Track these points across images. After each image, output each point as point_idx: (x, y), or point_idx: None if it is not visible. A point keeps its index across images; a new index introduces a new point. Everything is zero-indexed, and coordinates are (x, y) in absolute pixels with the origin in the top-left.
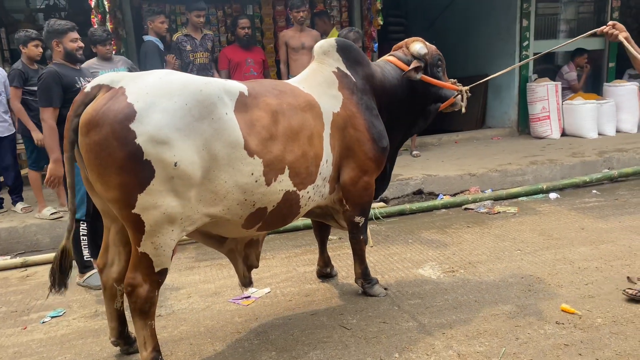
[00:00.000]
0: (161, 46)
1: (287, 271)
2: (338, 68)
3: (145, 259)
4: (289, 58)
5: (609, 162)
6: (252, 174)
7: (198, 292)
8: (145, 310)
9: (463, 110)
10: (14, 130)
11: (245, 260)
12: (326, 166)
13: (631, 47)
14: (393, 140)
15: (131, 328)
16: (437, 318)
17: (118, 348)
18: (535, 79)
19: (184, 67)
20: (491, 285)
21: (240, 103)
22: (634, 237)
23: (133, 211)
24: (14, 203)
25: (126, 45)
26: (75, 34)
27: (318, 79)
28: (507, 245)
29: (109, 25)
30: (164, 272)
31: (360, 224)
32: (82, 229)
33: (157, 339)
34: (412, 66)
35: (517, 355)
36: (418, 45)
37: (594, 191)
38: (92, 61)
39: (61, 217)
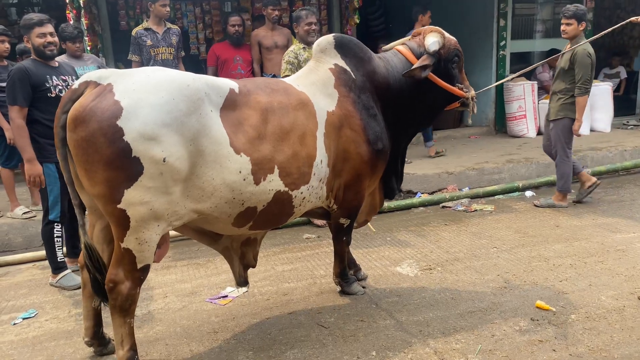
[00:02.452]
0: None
1: (265, 270)
2: (336, 64)
3: (128, 255)
4: (262, 57)
5: (583, 160)
6: (240, 172)
7: (174, 291)
8: (126, 307)
9: (470, 115)
10: None
11: (242, 259)
12: (321, 167)
13: None
14: (400, 137)
15: (106, 329)
16: (414, 315)
17: (92, 349)
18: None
19: (145, 63)
20: (468, 282)
21: (230, 100)
22: (606, 234)
23: (119, 206)
24: None
25: (102, 41)
26: (43, 29)
27: (313, 77)
28: (483, 243)
29: (84, 21)
30: (146, 269)
31: (345, 226)
32: (56, 230)
33: (134, 338)
34: (417, 64)
35: (493, 351)
36: (431, 39)
37: None
38: (61, 58)
39: (34, 216)
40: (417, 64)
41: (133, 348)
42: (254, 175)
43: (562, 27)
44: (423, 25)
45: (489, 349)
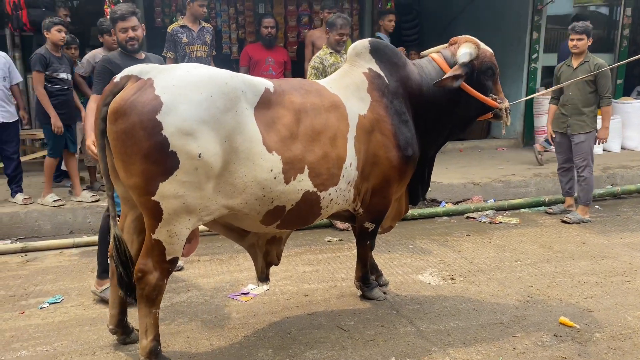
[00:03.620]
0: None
1: (286, 270)
2: (370, 69)
3: (159, 246)
4: None
5: (612, 178)
6: (271, 170)
7: (197, 286)
8: (152, 297)
9: (503, 131)
10: (17, 118)
11: (266, 256)
12: (350, 169)
13: None
14: (429, 146)
15: (130, 318)
16: (435, 324)
17: (115, 337)
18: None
19: (179, 60)
20: (490, 294)
21: (265, 99)
22: (634, 254)
23: (153, 198)
24: (13, 194)
25: None
26: (126, 23)
27: (347, 81)
28: (507, 256)
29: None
30: (174, 261)
31: (370, 230)
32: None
33: (158, 329)
34: (449, 73)
35: None
36: (463, 50)
37: (597, 206)
38: (97, 52)
39: (63, 204)
40: (448, 73)
41: (156, 338)
42: (284, 174)
43: (574, 42)
44: (385, 30)
45: None
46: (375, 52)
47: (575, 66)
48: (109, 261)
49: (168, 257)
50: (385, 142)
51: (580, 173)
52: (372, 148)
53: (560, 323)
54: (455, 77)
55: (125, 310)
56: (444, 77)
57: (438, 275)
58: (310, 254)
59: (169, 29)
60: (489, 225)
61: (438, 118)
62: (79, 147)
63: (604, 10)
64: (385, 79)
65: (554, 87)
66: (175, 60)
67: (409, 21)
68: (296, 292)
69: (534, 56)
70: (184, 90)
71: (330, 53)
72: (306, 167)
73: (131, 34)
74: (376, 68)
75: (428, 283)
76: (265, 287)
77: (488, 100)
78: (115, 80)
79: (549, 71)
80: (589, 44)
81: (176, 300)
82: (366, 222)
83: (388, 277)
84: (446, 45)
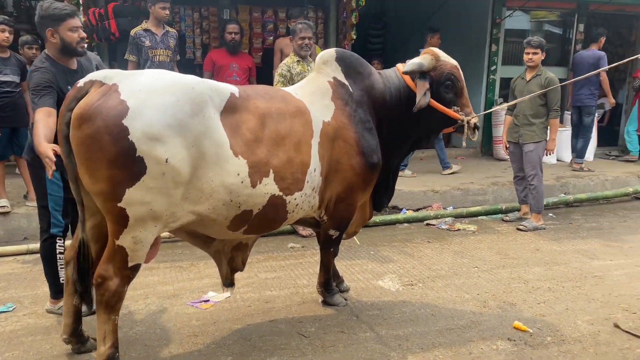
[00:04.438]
0: None
1: (248, 277)
2: (335, 77)
3: (121, 253)
4: None
5: (565, 187)
6: (238, 174)
7: (156, 293)
8: (112, 304)
9: (463, 143)
10: None
11: (231, 262)
12: (314, 175)
13: None
14: (394, 154)
15: (86, 327)
16: (394, 330)
17: (69, 346)
18: (501, 103)
19: (142, 64)
20: (448, 300)
21: (231, 104)
22: (585, 260)
23: (119, 205)
24: None
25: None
26: (76, 21)
27: (312, 88)
28: (465, 262)
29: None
30: (136, 268)
31: (334, 237)
32: (59, 246)
33: (117, 336)
34: (419, 94)
35: None
36: (411, 60)
37: (550, 214)
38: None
39: (8, 211)
40: (418, 94)
41: (115, 345)
42: (250, 178)
43: (529, 56)
44: (432, 47)
45: None
46: (341, 61)
47: (528, 79)
48: (62, 271)
49: (130, 264)
50: (348, 150)
51: (531, 182)
52: (335, 155)
53: (514, 327)
54: (425, 94)
55: (80, 319)
56: (418, 100)
57: (398, 281)
58: (273, 260)
59: (132, 32)
60: (447, 232)
61: (402, 127)
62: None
63: (559, 25)
64: (350, 87)
65: (529, 96)
66: (138, 64)
67: (377, 29)
68: (257, 299)
69: (493, 68)
70: (150, 96)
71: (298, 61)
72: (271, 170)
73: (82, 33)
74: (341, 77)
75: (388, 289)
76: (226, 294)
77: (449, 112)
78: (78, 85)
79: (507, 83)
80: (542, 57)
81: (134, 307)
82: (331, 230)
83: (349, 283)
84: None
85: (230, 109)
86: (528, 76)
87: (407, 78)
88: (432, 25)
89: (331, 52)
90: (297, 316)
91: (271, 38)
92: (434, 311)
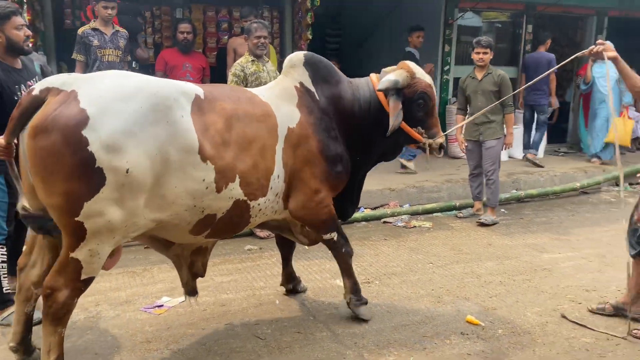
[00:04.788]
0: None
1: (204, 280)
2: (301, 83)
3: (75, 265)
4: None
5: (516, 183)
6: (204, 180)
7: (107, 300)
8: (59, 316)
9: (427, 160)
10: None
11: (191, 268)
12: (278, 181)
13: (624, 66)
14: (360, 165)
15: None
16: (350, 328)
17: (15, 356)
18: (454, 102)
19: (90, 64)
20: (403, 296)
21: (197, 106)
22: (535, 254)
23: (77, 219)
24: None
25: (44, 39)
26: (21, 19)
27: (278, 91)
28: (420, 258)
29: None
30: (89, 281)
31: (334, 239)
32: (1, 254)
33: (63, 349)
34: (393, 116)
35: None
36: (387, 77)
37: (502, 210)
38: None
39: None
40: (392, 115)
41: (60, 358)
42: (216, 184)
43: (480, 56)
44: (414, 45)
45: None
46: (309, 66)
47: (480, 78)
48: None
49: (83, 277)
50: (311, 158)
51: (490, 176)
52: (298, 163)
53: (467, 322)
54: (398, 115)
55: (30, 328)
56: (392, 123)
57: None
58: (229, 263)
59: (80, 31)
60: (404, 229)
61: (370, 140)
62: None
63: (509, 26)
64: (316, 94)
65: (509, 95)
66: (86, 64)
67: (334, 29)
68: (213, 303)
69: (446, 68)
70: (112, 102)
71: (252, 61)
72: (237, 176)
73: (27, 31)
74: (308, 83)
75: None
76: (180, 298)
77: (413, 132)
78: (34, 93)
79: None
80: (491, 57)
81: (84, 315)
82: (324, 235)
83: (307, 283)
84: (395, 67)
85: (196, 111)
86: (479, 75)
87: (380, 92)
88: (413, 24)
89: (299, 55)
90: (254, 318)
91: (226, 37)
92: (389, 308)
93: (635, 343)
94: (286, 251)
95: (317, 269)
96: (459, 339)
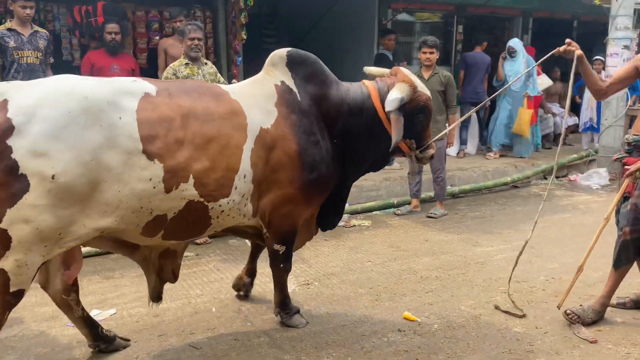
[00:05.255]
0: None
1: (136, 291)
2: (282, 82)
3: (2, 276)
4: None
5: (451, 179)
6: (150, 179)
7: (33, 316)
8: None
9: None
10: None
11: (160, 272)
12: (243, 181)
13: (587, 66)
14: (349, 174)
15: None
16: (288, 332)
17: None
18: None
19: (7, 66)
20: (342, 296)
21: (146, 103)
22: (469, 247)
23: (0, 226)
24: None
25: None
26: None
27: (255, 90)
28: (359, 257)
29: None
30: (20, 294)
31: (280, 252)
32: None
33: None
34: (395, 133)
35: None
36: (394, 95)
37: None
38: None
39: None
40: (394, 130)
41: None
42: (165, 183)
43: (426, 56)
44: (387, 48)
45: None
46: (292, 64)
47: (427, 77)
48: None
49: (12, 289)
50: (287, 162)
51: (439, 175)
52: (272, 165)
53: (405, 318)
54: (400, 131)
55: (93, 324)
56: (394, 141)
57: (294, 282)
58: None
59: None
60: (343, 229)
61: (360, 146)
62: None
63: (441, 26)
64: (298, 95)
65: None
66: (3, 66)
67: (270, 29)
68: (146, 314)
69: None
70: (40, 109)
71: (186, 64)
72: (191, 176)
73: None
74: (289, 82)
75: None
76: (110, 311)
77: (403, 145)
78: None
79: None
80: (437, 57)
81: (5, 334)
82: (275, 244)
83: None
84: (387, 73)
85: (144, 109)
86: (426, 75)
87: (378, 103)
88: (384, 28)
89: (282, 53)
90: (189, 328)
91: (157, 38)
92: (328, 309)
93: (561, 332)
94: (257, 248)
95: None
96: (396, 336)
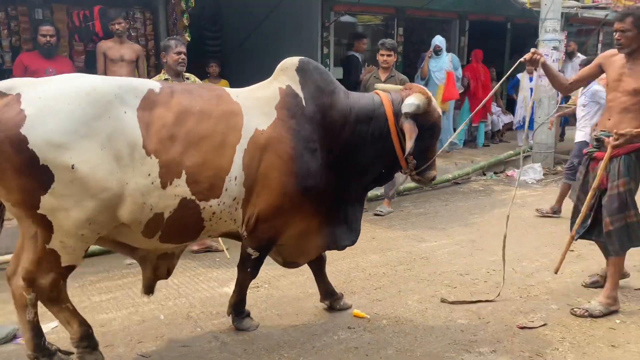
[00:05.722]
0: None
1: (79, 301)
2: (288, 86)
3: (53, 255)
4: (107, 70)
5: (395, 177)
6: (149, 174)
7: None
8: (54, 297)
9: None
10: None
11: (155, 270)
12: (234, 183)
13: (550, 68)
14: (352, 183)
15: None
16: (239, 335)
17: None
18: None
19: None
20: (293, 298)
21: (148, 101)
22: (414, 243)
23: (38, 212)
24: None
25: None
26: None
27: (259, 93)
28: None
29: None
30: (71, 268)
31: (252, 257)
32: None
33: (80, 316)
34: (409, 140)
35: None
36: (411, 100)
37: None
38: None
39: None
40: (409, 138)
41: (83, 323)
42: (161, 178)
43: (384, 58)
44: (358, 50)
45: None
46: (301, 71)
47: (383, 79)
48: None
49: (63, 265)
50: (279, 165)
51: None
52: (263, 168)
53: (354, 315)
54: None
55: (40, 333)
56: (408, 149)
57: None
58: (109, 280)
59: None
60: None
61: (365, 158)
62: None
63: (383, 29)
64: (303, 101)
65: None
66: None
67: (213, 32)
68: (91, 324)
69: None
70: (51, 102)
71: (166, 79)
72: (184, 171)
73: None
74: (296, 87)
75: None
76: (53, 324)
77: (402, 161)
78: None
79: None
80: (395, 59)
81: None
82: (249, 248)
83: (194, 294)
84: (400, 88)
85: (147, 106)
86: (382, 76)
87: (390, 112)
88: (356, 32)
89: (294, 60)
90: (137, 336)
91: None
92: (279, 310)
93: (502, 321)
94: (315, 267)
95: (203, 278)
96: (347, 334)
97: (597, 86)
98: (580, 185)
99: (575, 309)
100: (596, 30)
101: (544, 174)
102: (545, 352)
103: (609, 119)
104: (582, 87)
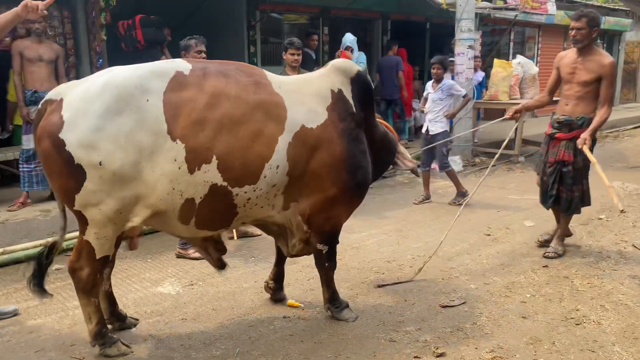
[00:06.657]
0: None
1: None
2: (340, 90)
3: (88, 247)
4: (24, 70)
5: None
6: (175, 159)
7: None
8: (88, 289)
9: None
10: None
11: (214, 248)
12: (275, 172)
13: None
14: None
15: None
16: (176, 330)
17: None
18: None
19: None
20: (228, 292)
21: (176, 83)
22: (345, 235)
23: (75, 208)
24: None
25: None
26: None
27: (307, 88)
28: (242, 253)
29: None
30: (106, 259)
31: (324, 252)
32: None
33: (102, 314)
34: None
35: (250, 352)
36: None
37: None
38: None
39: None
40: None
41: (101, 323)
42: (188, 163)
43: (294, 57)
44: (310, 47)
45: (246, 350)
46: (357, 83)
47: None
48: None
49: (98, 256)
50: (331, 163)
51: None
52: (315, 165)
53: (289, 305)
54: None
55: (114, 302)
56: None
57: (178, 284)
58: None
59: None
60: None
61: (379, 159)
62: None
63: (308, 27)
64: (354, 107)
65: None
66: None
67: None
68: (18, 332)
69: None
70: (82, 104)
71: None
72: (214, 157)
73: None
74: (347, 93)
75: (168, 293)
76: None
77: (406, 160)
78: (39, 107)
79: None
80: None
81: None
82: (318, 244)
83: (127, 295)
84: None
85: (174, 88)
86: (291, 75)
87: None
88: (308, 30)
89: (353, 69)
90: (69, 340)
91: (7, 39)
92: (215, 306)
93: (427, 302)
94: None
95: (136, 279)
96: (282, 323)
97: (451, 81)
98: (543, 162)
99: (547, 253)
100: (508, 30)
101: (463, 166)
102: (465, 326)
103: (567, 105)
104: (434, 83)
